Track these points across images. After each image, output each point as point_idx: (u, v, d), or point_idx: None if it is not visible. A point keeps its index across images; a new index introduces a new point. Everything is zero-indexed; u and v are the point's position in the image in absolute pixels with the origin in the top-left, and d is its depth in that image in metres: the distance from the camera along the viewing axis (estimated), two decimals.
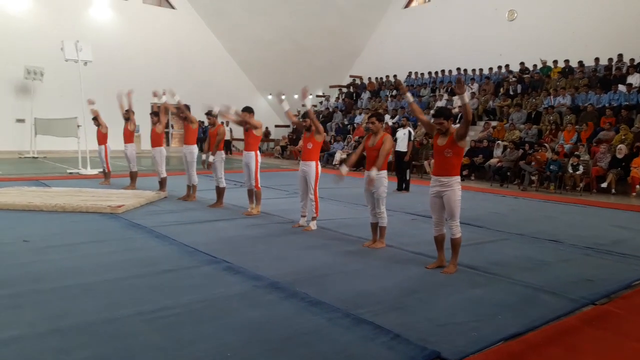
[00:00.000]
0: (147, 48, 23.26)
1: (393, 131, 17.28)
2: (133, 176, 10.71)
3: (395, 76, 22.49)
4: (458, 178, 4.79)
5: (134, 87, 22.04)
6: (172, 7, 24.51)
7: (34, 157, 18.45)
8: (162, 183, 9.60)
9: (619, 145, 11.66)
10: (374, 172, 5.45)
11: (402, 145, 10.98)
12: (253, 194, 7.69)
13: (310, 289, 4.08)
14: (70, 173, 13.29)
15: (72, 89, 17.20)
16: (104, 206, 7.52)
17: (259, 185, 7.63)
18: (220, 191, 8.34)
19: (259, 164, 7.57)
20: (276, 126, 25.27)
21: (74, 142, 14.21)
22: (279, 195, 10.01)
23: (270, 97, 27.56)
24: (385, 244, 5.79)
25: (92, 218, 7.02)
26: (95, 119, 11.73)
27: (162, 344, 3.04)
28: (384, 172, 5.67)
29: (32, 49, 19.88)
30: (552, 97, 15.17)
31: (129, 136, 11.02)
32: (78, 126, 13.90)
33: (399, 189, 10.91)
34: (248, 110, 7.57)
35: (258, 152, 7.62)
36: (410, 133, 11.07)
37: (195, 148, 9.21)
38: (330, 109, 23.20)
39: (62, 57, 13.92)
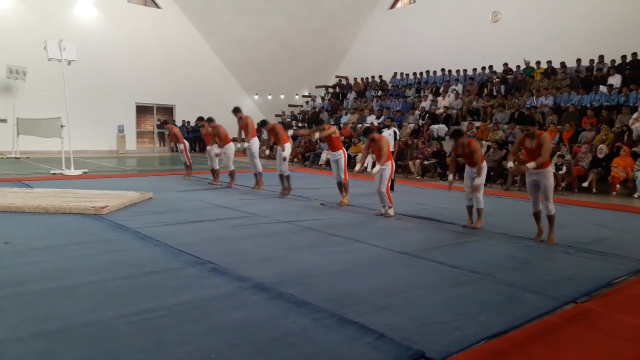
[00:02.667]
0: (132, 47, 23.07)
1: (380, 132, 17.39)
2: (215, 173, 11.73)
3: (380, 77, 22.58)
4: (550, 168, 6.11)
5: (118, 86, 21.84)
6: (158, 7, 24.34)
7: (16, 158, 18.19)
8: (231, 175, 11.23)
9: (600, 145, 11.84)
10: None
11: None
12: (342, 186, 9.01)
13: (295, 290, 4.08)
14: (53, 174, 13.13)
15: (55, 89, 16.99)
16: (88, 207, 7.45)
17: (347, 178, 8.98)
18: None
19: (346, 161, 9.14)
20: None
21: (58, 143, 14.03)
22: (265, 195, 10.00)
23: (256, 96, 27.52)
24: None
25: (76, 219, 6.95)
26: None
27: (146, 346, 3.03)
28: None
29: (14, 48, 19.60)
30: (534, 97, 15.36)
31: (209, 139, 11.88)
32: (62, 126, 13.71)
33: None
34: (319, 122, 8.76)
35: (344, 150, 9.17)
36: (395, 133, 11.12)
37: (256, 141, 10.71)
38: (317, 109, 23.21)
39: (46, 56, 13.73)
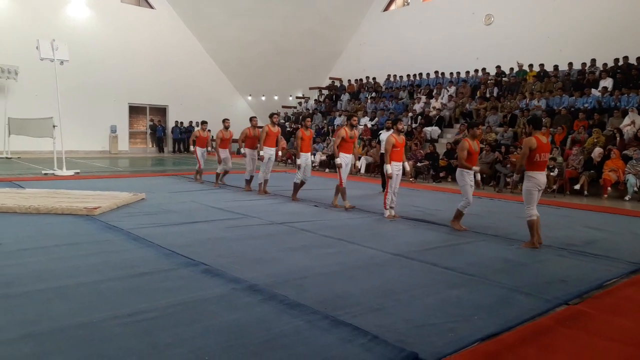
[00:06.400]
0: (125, 48, 23.01)
1: (373, 133, 17.41)
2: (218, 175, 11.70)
3: (374, 79, 22.61)
4: (529, 173, 5.94)
5: (111, 87, 21.76)
6: (151, 7, 24.29)
7: (7, 158, 18.09)
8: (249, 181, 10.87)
9: (596, 149, 11.91)
10: None
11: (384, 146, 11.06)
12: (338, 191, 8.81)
13: (289, 291, 4.07)
14: (45, 174, 13.05)
15: (47, 89, 16.92)
16: (80, 208, 7.40)
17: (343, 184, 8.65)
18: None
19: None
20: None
21: (50, 143, 13.95)
22: (258, 197, 9.99)
23: (249, 98, 27.49)
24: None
25: (68, 220, 6.90)
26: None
27: (138, 348, 3.00)
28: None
29: (6, 48, 19.51)
30: (527, 100, 15.44)
31: (224, 142, 11.72)
32: (54, 126, 13.63)
33: (385, 189, 10.96)
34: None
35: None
36: None
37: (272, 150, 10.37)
38: (310, 111, 23.22)
39: (38, 56, 13.65)
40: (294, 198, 9.60)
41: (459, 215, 7.06)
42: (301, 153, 9.41)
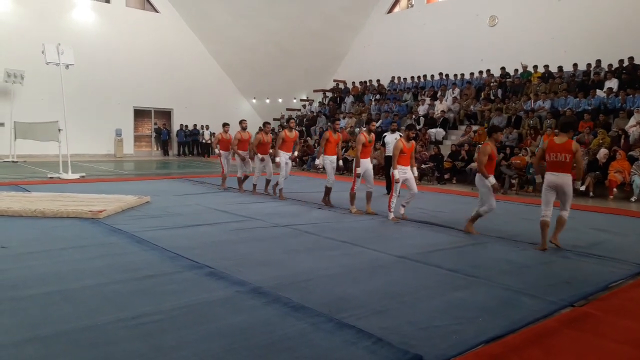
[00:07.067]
0: (130, 51, 23.13)
1: (377, 135, 17.39)
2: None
3: (378, 81, 22.61)
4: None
5: (116, 90, 21.90)
6: (156, 11, 24.41)
7: (13, 162, 18.19)
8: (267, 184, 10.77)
9: (601, 150, 11.86)
10: None
11: (392, 150, 11.05)
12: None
13: (293, 294, 4.08)
14: (50, 177, 13.11)
15: (53, 93, 17.02)
16: (85, 211, 7.43)
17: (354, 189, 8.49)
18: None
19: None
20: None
21: (55, 146, 14.02)
22: (263, 199, 10.00)
23: (254, 100, 27.55)
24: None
25: (73, 223, 6.93)
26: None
27: (143, 350, 3.01)
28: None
29: (12, 52, 19.64)
30: (532, 101, 15.40)
31: (243, 143, 11.34)
32: (59, 130, 13.69)
33: (389, 192, 10.95)
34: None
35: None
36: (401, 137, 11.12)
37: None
38: (314, 113, 23.24)
39: (43, 60, 13.72)
40: (326, 202, 9.28)
41: (475, 217, 6.86)
42: (326, 156, 9.16)
